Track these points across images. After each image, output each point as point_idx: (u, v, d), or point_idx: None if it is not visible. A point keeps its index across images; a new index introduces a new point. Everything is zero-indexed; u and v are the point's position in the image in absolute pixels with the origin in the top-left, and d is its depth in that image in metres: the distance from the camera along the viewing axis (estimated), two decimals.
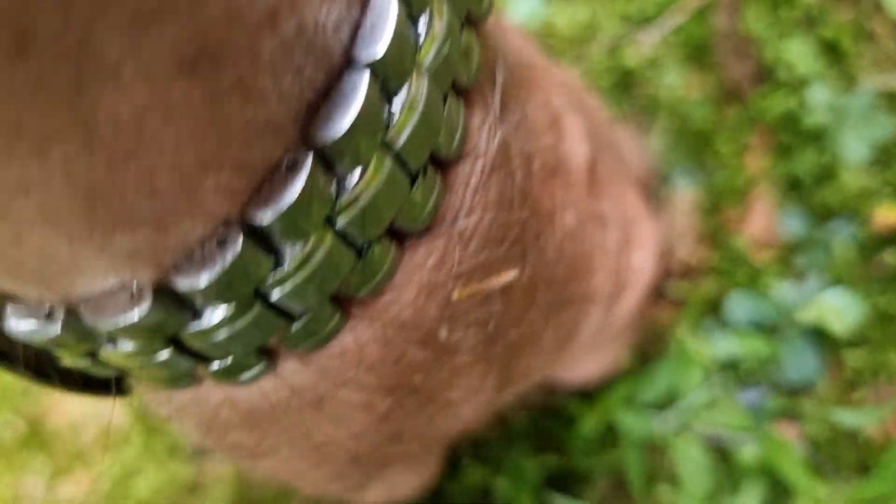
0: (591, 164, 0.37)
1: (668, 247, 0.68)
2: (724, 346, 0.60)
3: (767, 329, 0.62)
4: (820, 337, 0.61)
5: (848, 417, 0.54)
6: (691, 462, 0.56)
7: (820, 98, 0.58)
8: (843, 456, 0.59)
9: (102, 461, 0.74)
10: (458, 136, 0.25)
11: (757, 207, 0.69)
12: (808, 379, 0.61)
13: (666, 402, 0.58)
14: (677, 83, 0.73)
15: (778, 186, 0.69)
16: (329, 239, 0.23)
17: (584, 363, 0.56)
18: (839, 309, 0.56)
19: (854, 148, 0.54)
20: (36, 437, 0.76)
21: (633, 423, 0.56)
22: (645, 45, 0.76)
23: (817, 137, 0.67)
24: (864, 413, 0.54)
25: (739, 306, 0.63)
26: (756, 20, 0.73)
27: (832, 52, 0.70)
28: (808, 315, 0.56)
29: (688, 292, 0.67)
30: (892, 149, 0.63)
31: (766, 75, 0.71)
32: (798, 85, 0.69)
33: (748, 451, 0.55)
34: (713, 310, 0.65)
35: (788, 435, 0.59)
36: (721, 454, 0.60)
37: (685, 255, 0.67)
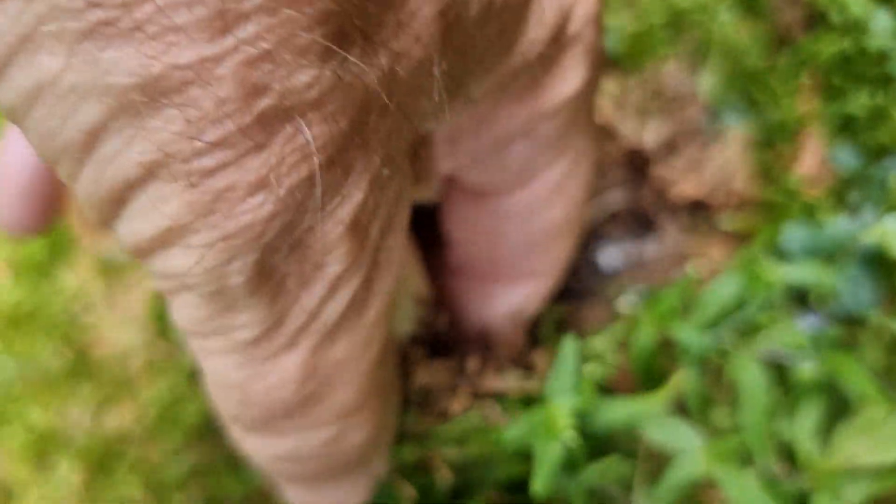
0: None
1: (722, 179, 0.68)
2: (782, 272, 0.61)
3: (824, 259, 0.63)
4: (878, 266, 0.62)
5: None
6: (750, 377, 0.56)
7: (884, 24, 0.59)
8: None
9: (149, 389, 0.74)
10: None
11: (809, 146, 0.69)
12: (866, 308, 0.61)
13: (721, 319, 0.58)
14: (729, 26, 0.73)
15: (830, 126, 0.70)
16: None
17: (515, 281, 0.54)
18: None
19: None
20: (82, 366, 0.76)
21: (691, 337, 0.56)
22: None
23: (873, 80, 0.68)
24: None
25: (795, 237, 0.63)
26: None
27: None
28: (869, 237, 0.57)
29: (743, 224, 0.67)
30: None
31: (818, 19, 0.72)
32: (852, 27, 0.69)
33: (808, 369, 0.56)
34: (769, 243, 0.66)
35: None
36: (779, 373, 0.60)
37: (739, 188, 0.68)
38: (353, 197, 0.29)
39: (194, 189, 0.25)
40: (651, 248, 0.81)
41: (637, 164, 0.79)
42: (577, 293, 0.84)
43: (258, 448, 0.36)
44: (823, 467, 0.52)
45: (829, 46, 0.70)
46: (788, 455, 0.60)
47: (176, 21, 0.20)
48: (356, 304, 0.32)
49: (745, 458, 0.57)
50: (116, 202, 0.27)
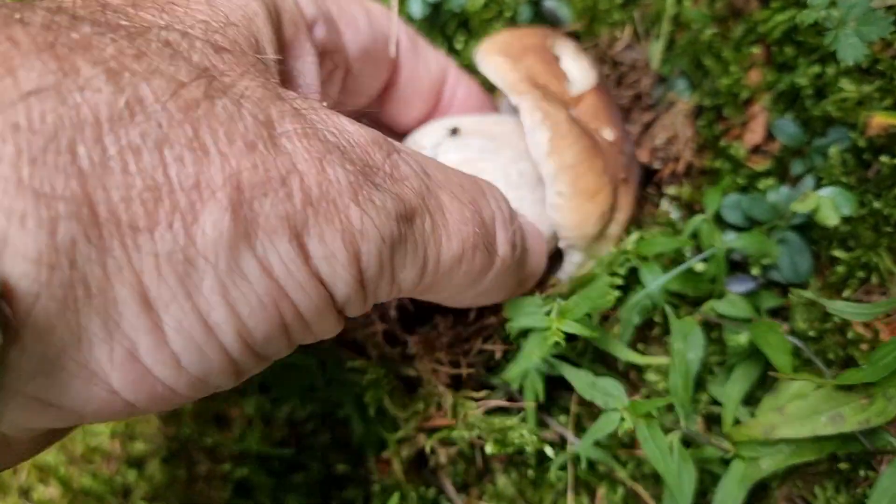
0: None
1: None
2: (722, 238, 0.62)
3: (763, 228, 0.63)
4: (812, 234, 0.63)
5: (840, 307, 0.55)
6: (681, 342, 0.57)
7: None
8: (830, 349, 0.60)
9: None
10: None
11: (757, 117, 0.70)
12: (800, 276, 0.62)
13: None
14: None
15: (778, 98, 0.70)
16: None
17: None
18: (832, 202, 0.57)
19: (853, 47, 0.55)
20: None
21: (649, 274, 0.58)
22: None
23: (817, 50, 0.68)
24: (857, 307, 0.55)
25: (737, 206, 0.64)
26: None
27: None
28: (803, 206, 0.58)
29: (688, 191, 0.68)
30: (885, 59, 0.65)
31: None
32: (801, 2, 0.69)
33: (742, 336, 0.57)
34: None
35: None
36: (718, 338, 0.61)
37: (687, 156, 0.69)
38: None
39: None
40: None
41: None
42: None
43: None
44: (743, 435, 0.53)
45: (779, 19, 0.71)
46: (719, 419, 0.62)
47: None
48: None
49: (675, 421, 0.59)
50: None
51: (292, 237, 0.34)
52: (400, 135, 0.68)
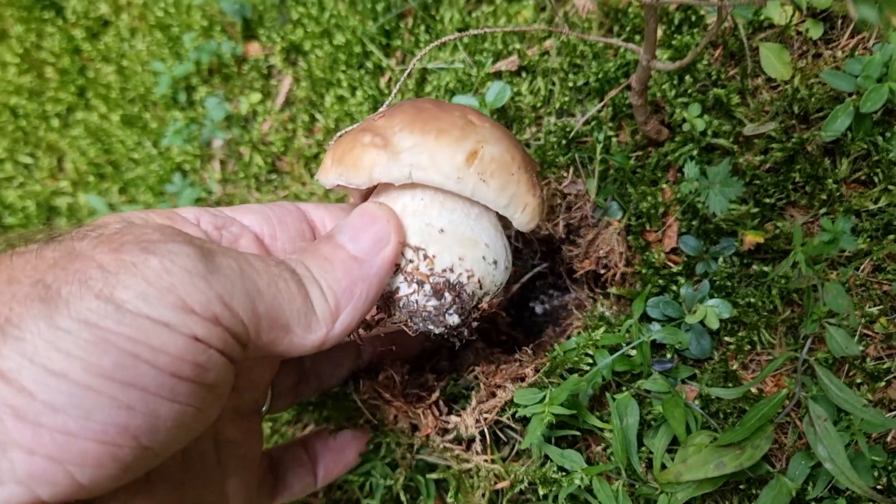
0: None
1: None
2: (648, 332, 0.88)
3: (676, 321, 0.89)
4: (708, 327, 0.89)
5: (719, 392, 0.81)
6: (619, 415, 0.83)
7: (692, 171, 0.84)
8: (725, 408, 0.87)
9: None
10: None
11: (672, 226, 0.95)
12: (704, 353, 0.88)
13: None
14: (611, 138, 0.98)
15: (686, 210, 0.95)
16: None
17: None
18: (715, 311, 0.82)
19: (718, 202, 0.81)
20: None
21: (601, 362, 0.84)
22: (587, 110, 1.01)
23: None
24: (727, 391, 0.81)
25: (657, 306, 0.90)
26: (667, 90, 0.98)
27: (721, 107, 0.95)
28: (694, 318, 0.83)
29: (623, 290, 0.94)
30: (753, 192, 0.90)
31: (675, 129, 0.97)
32: (698, 137, 0.94)
33: (659, 407, 0.83)
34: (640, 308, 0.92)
35: (691, 394, 0.87)
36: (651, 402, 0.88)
37: (620, 264, 0.94)
38: None
39: None
40: (566, 300, 1.09)
41: (552, 245, 1.05)
42: (526, 327, 1.12)
43: None
44: (664, 478, 0.79)
45: (683, 150, 0.95)
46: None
47: None
48: None
49: (618, 470, 0.85)
50: None
51: None
52: None
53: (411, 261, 0.72)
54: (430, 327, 0.74)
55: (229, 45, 1.36)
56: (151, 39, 1.50)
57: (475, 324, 0.77)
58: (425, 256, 0.71)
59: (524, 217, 0.74)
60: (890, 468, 0.78)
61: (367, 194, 0.81)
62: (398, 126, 0.71)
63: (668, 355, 0.89)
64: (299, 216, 0.81)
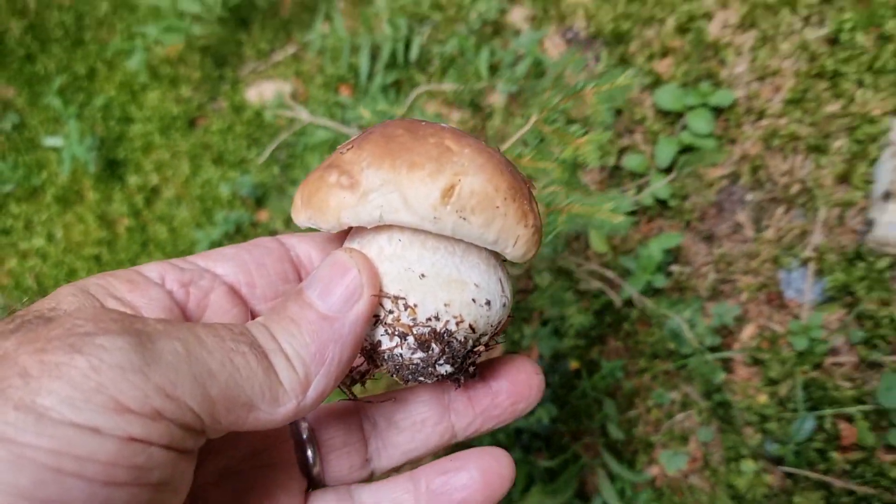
0: None
1: None
2: None
3: None
4: None
5: None
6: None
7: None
8: None
9: None
10: None
11: None
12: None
13: None
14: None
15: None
16: None
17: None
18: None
19: None
20: None
21: None
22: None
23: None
24: None
25: None
26: None
27: None
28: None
29: None
30: None
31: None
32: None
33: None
34: None
35: None
36: None
37: None
38: None
39: None
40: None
41: None
42: None
43: None
44: None
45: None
46: None
47: None
48: None
49: None
50: None
51: None
52: None
53: (391, 311, 0.64)
54: (421, 379, 0.66)
55: (247, 215, 2.35)
56: (192, 207, 2.39)
57: (472, 368, 0.69)
58: (406, 306, 0.64)
59: (517, 251, 0.65)
60: None
61: (348, 230, 0.73)
62: (366, 161, 0.63)
63: None
64: (281, 255, 0.74)
